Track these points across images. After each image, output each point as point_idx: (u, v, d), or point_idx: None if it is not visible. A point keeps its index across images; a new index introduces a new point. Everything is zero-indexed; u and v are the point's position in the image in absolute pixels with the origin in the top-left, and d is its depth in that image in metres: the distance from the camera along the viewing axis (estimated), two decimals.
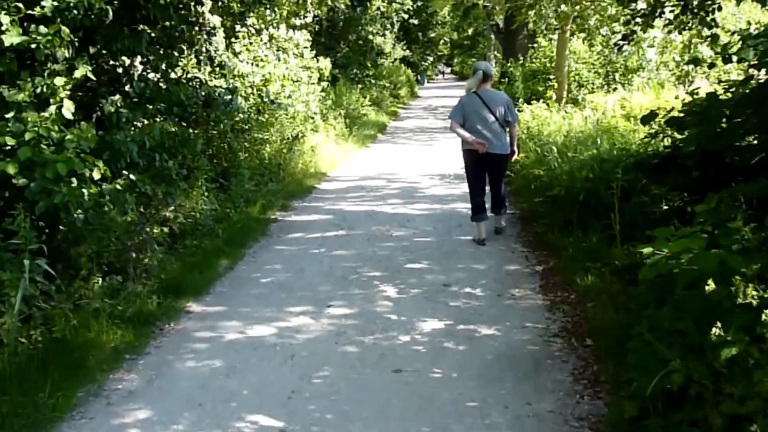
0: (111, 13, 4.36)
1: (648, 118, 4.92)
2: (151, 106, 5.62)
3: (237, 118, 7.55)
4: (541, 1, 11.65)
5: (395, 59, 25.47)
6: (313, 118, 10.66)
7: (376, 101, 18.36)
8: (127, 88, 5.31)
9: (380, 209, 7.03)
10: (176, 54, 6.12)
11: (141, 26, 5.32)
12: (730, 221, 2.47)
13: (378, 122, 16.06)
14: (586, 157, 6.15)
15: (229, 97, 7.42)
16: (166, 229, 5.36)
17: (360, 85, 17.42)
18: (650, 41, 10.98)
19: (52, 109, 3.85)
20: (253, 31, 10.03)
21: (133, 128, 5.26)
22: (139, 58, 5.70)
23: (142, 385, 3.30)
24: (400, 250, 5.46)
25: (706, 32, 10.78)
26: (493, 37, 24.33)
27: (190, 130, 6.31)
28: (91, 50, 4.66)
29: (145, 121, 6.06)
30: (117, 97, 5.19)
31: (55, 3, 3.89)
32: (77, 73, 3.87)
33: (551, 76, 11.45)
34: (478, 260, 5.15)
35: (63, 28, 3.83)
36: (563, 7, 11.06)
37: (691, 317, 2.27)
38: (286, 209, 7.11)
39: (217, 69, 8.24)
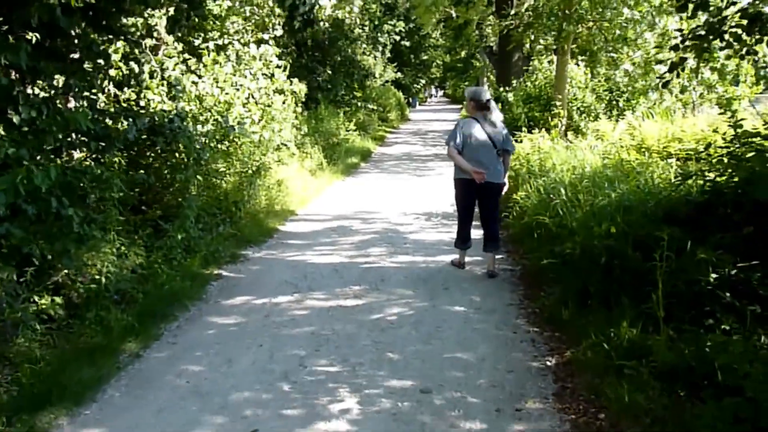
0: None
1: None
2: (49, 138, 4.39)
3: (189, 148, 6.29)
4: (540, 20, 10.56)
5: (386, 81, 24.43)
6: (287, 146, 9.41)
7: (362, 125, 17.18)
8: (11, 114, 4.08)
9: (351, 261, 5.76)
10: (93, 71, 4.93)
11: (32, 35, 4.13)
12: None
13: (362, 149, 14.86)
14: (603, 202, 4.97)
15: (179, 123, 6.21)
16: (59, 299, 4.07)
17: (345, 108, 16.24)
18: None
19: None
20: (212, 47, 8.81)
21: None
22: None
23: None
24: (367, 328, 4.16)
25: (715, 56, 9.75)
26: (486, 59, 23.42)
27: (107, 166, 5.06)
28: None
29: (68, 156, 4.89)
30: None
31: None
32: None
33: (557, 103, 10.28)
34: (469, 347, 3.87)
35: None
36: (565, 25, 9.95)
37: None
38: (235, 261, 5.82)
39: (167, 89, 7.07)
